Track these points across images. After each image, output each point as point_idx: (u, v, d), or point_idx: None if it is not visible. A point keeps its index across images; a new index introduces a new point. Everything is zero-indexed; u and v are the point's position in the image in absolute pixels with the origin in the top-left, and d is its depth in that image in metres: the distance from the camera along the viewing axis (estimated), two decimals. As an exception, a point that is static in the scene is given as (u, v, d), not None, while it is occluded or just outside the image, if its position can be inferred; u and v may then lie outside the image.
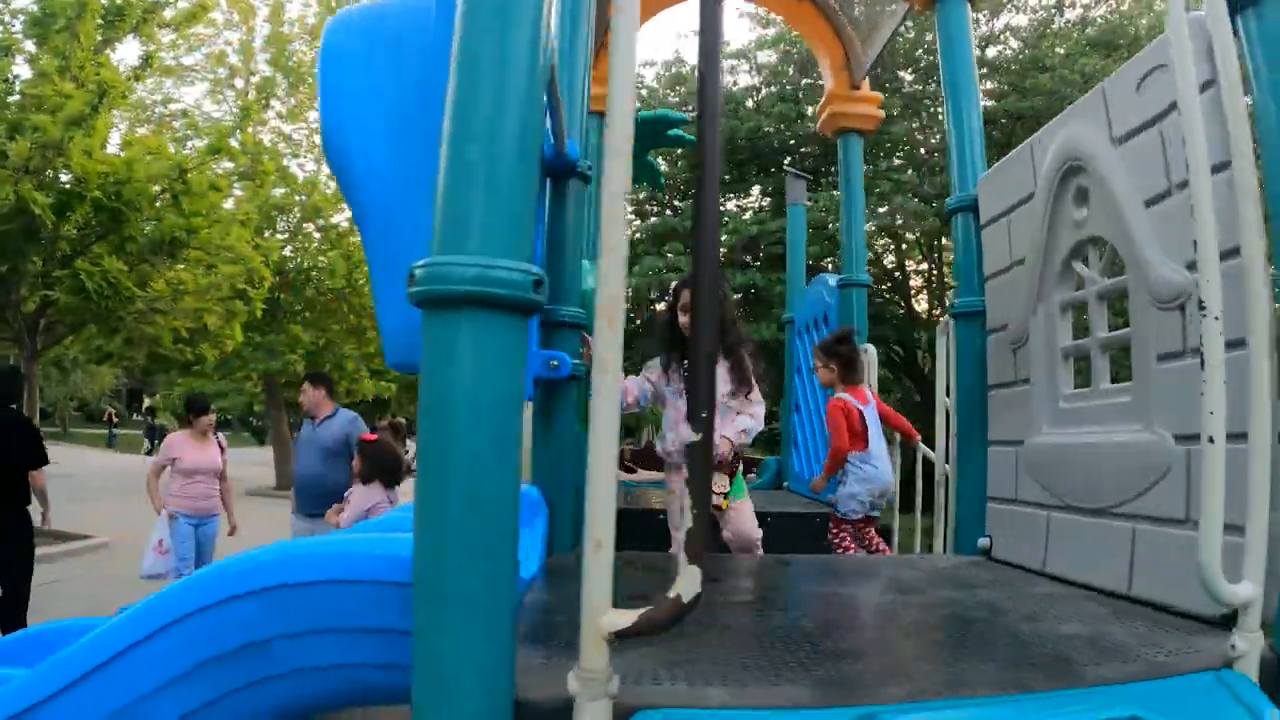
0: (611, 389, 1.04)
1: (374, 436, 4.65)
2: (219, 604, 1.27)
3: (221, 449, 5.41)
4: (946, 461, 3.11)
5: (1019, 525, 2.27)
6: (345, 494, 4.34)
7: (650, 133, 5.74)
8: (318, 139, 14.01)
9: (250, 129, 10.60)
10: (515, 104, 1.00)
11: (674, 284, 3.02)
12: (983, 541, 2.43)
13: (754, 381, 2.68)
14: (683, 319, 2.68)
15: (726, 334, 2.61)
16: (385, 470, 4.23)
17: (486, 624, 1.01)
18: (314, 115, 13.67)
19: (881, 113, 4.55)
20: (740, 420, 2.62)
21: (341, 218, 13.04)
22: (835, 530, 3.24)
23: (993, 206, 2.57)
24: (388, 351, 1.32)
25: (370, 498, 4.11)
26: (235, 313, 9.01)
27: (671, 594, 1.08)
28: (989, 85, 11.55)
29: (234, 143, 9.50)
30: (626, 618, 1.04)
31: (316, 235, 13.21)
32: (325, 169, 13.07)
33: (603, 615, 1.01)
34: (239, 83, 12.41)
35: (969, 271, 2.70)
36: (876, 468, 3.19)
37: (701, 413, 1.09)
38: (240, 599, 1.25)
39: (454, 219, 0.99)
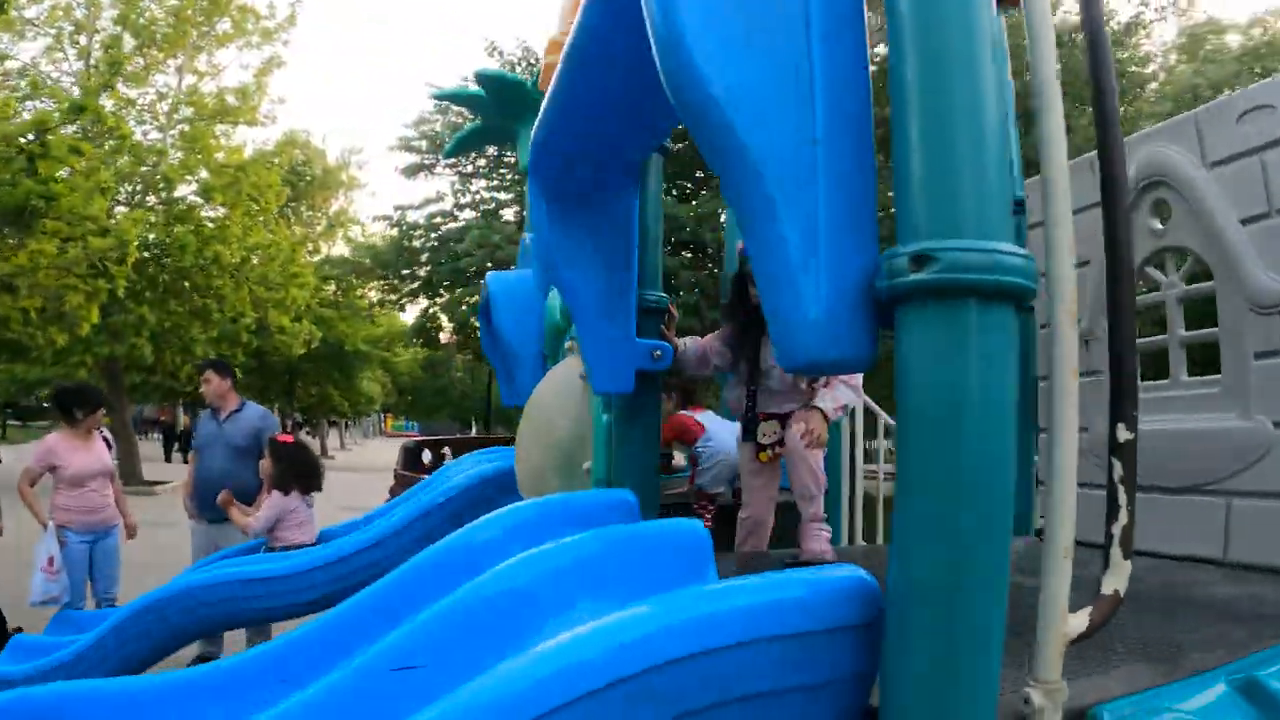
0: (1074, 389, 1.13)
1: (289, 437, 4.39)
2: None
3: (109, 445, 4.84)
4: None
5: (1087, 507, 2.57)
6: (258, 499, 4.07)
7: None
8: (165, 104, 12.73)
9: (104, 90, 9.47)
10: (993, 78, 1.07)
11: (740, 246, 2.57)
12: (1040, 522, 2.73)
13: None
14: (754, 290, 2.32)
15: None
16: (305, 475, 4.00)
17: (992, 641, 1.02)
18: (162, 79, 12.42)
19: None
20: (840, 392, 2.30)
21: (188, 190, 11.94)
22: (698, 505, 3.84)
23: (1038, 208, 2.87)
24: (810, 343, 1.09)
25: (285, 505, 3.85)
26: (96, 291, 7.99)
27: (1108, 590, 1.17)
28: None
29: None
30: (1081, 622, 1.11)
31: (160, 208, 11.99)
32: (173, 136, 11.91)
33: (1066, 623, 1.06)
34: (83, 39, 11.01)
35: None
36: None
37: (1128, 410, 1.21)
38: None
39: (952, 202, 1.04)
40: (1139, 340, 2.52)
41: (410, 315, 18.90)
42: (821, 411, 2.22)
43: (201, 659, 4.47)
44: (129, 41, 11.10)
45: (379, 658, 1.53)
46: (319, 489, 4.16)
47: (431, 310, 16.65)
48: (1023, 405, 2.89)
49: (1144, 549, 2.31)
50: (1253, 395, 2.08)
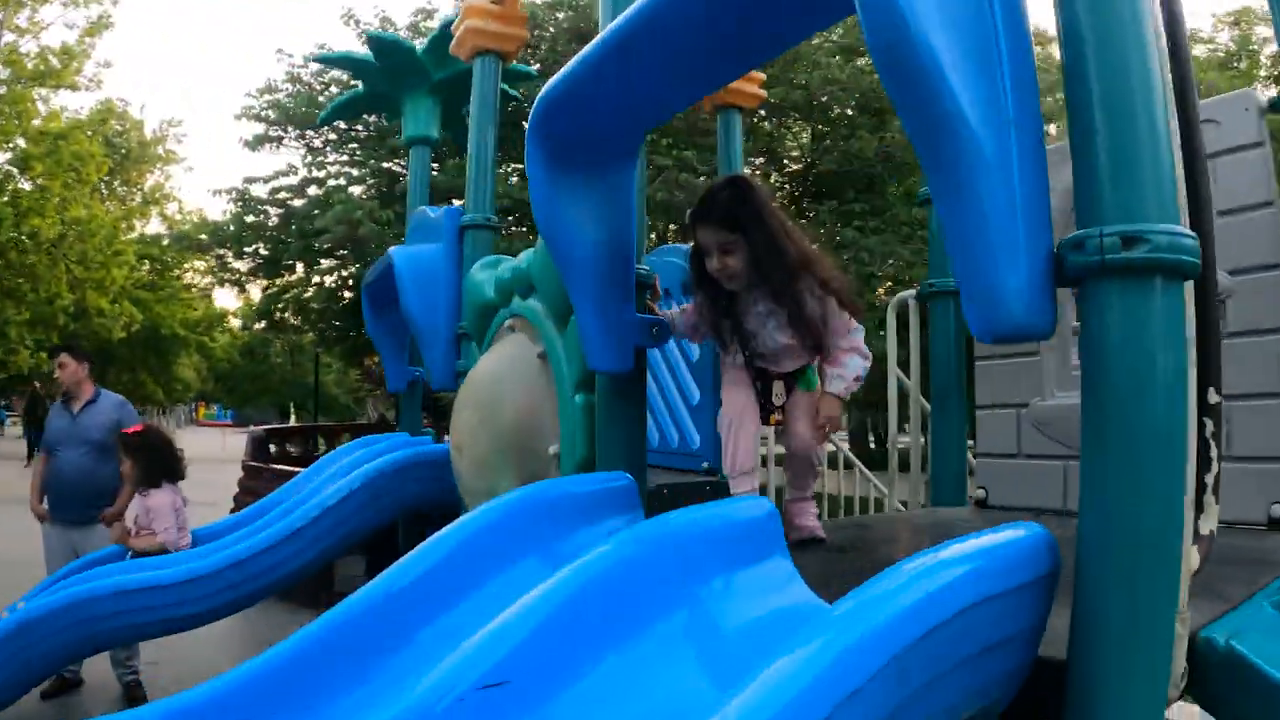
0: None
1: (140, 427, 4.02)
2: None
3: None
4: (900, 430, 3.69)
5: (1026, 475, 2.87)
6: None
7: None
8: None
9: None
10: (1161, 62, 1.18)
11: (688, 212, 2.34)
12: (978, 492, 3.01)
13: (822, 328, 2.18)
14: (710, 265, 2.20)
15: (775, 268, 2.10)
16: (171, 466, 3.71)
17: (1174, 584, 1.15)
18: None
19: (764, 92, 5.04)
20: (850, 366, 2.18)
21: (3, 158, 10.33)
22: None
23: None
24: (1013, 312, 1.14)
25: (175, 501, 3.60)
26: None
27: (1204, 531, 1.35)
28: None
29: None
30: (1194, 559, 1.27)
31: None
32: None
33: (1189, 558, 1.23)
34: None
35: (943, 256, 3.25)
36: None
37: (1214, 376, 1.38)
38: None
39: (1148, 189, 1.12)
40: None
41: (226, 298, 17.46)
42: (835, 396, 2.16)
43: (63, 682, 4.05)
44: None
45: (459, 675, 1.37)
46: (184, 477, 3.81)
47: (272, 290, 15.37)
48: (949, 385, 3.17)
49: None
50: (1186, 373, 2.43)
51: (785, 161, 14.53)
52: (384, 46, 4.95)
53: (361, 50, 6.36)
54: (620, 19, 1.75)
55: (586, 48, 1.88)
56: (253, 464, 7.34)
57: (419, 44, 5.06)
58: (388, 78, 4.93)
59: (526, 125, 2.05)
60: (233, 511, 5.15)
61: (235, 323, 26.65)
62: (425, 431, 4.81)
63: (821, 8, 1.56)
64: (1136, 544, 1.13)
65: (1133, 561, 1.13)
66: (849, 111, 13.15)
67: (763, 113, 12.84)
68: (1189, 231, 1.14)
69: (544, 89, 2.00)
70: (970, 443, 3.33)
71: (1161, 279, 1.12)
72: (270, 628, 5.23)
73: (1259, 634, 1.34)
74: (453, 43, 4.05)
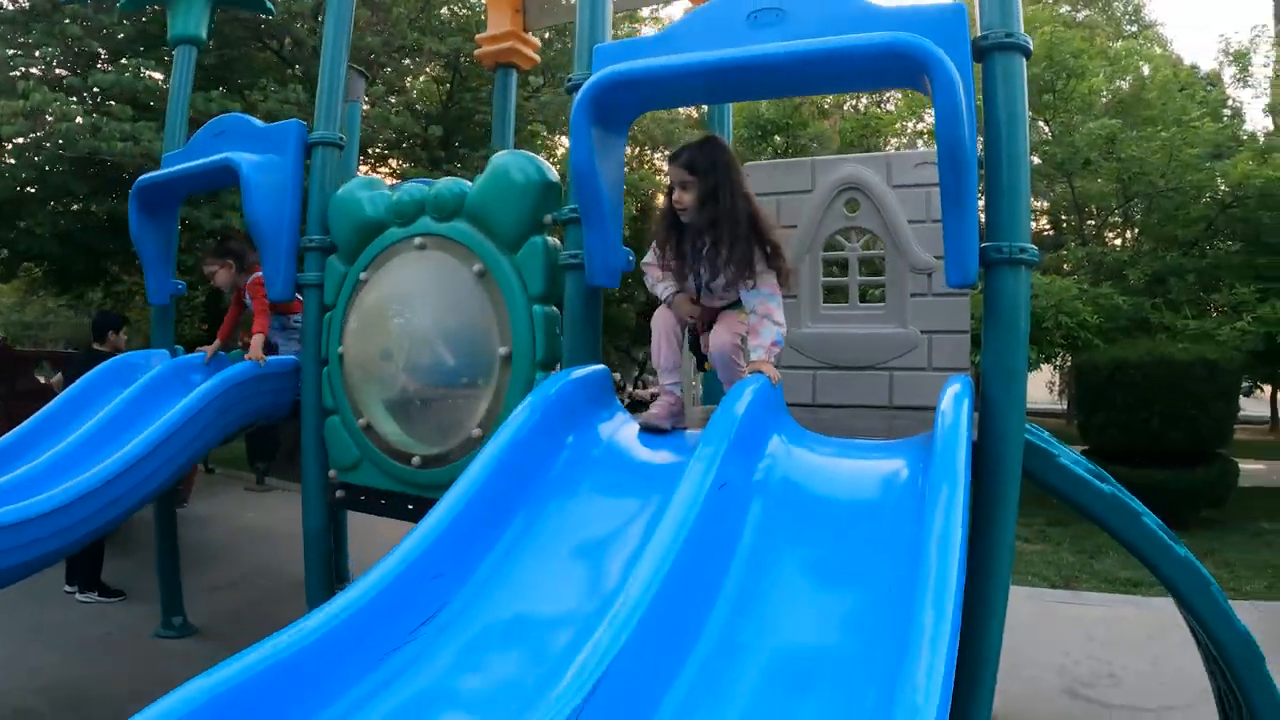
0: None
1: None
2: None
3: None
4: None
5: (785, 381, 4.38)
6: None
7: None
8: None
9: None
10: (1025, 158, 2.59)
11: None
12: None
13: (757, 267, 2.72)
14: (674, 199, 2.80)
15: (720, 211, 2.69)
16: None
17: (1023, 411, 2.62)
18: None
19: (537, 58, 5.84)
20: (763, 333, 2.72)
21: None
22: None
23: (761, 184, 4.51)
24: (972, 269, 2.30)
25: None
26: None
27: None
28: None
29: None
30: None
31: None
32: None
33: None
34: None
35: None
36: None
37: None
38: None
39: (1013, 215, 2.52)
40: (831, 279, 4.41)
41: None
42: (761, 363, 2.69)
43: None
44: None
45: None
46: None
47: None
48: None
49: (842, 403, 4.21)
50: (908, 316, 4.10)
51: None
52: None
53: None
54: (686, 59, 2.66)
55: (646, 63, 2.74)
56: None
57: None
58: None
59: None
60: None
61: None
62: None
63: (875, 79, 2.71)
64: (1008, 381, 2.54)
65: (1005, 392, 2.54)
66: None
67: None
68: (1033, 246, 2.60)
69: (598, 75, 2.79)
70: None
71: (1025, 268, 2.56)
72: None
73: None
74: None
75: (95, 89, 8.55)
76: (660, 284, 3.01)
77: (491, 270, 3.46)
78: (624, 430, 2.86)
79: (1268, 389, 19.84)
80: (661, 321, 3.04)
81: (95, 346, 5.70)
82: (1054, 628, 5.41)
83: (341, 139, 4.22)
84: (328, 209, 3.97)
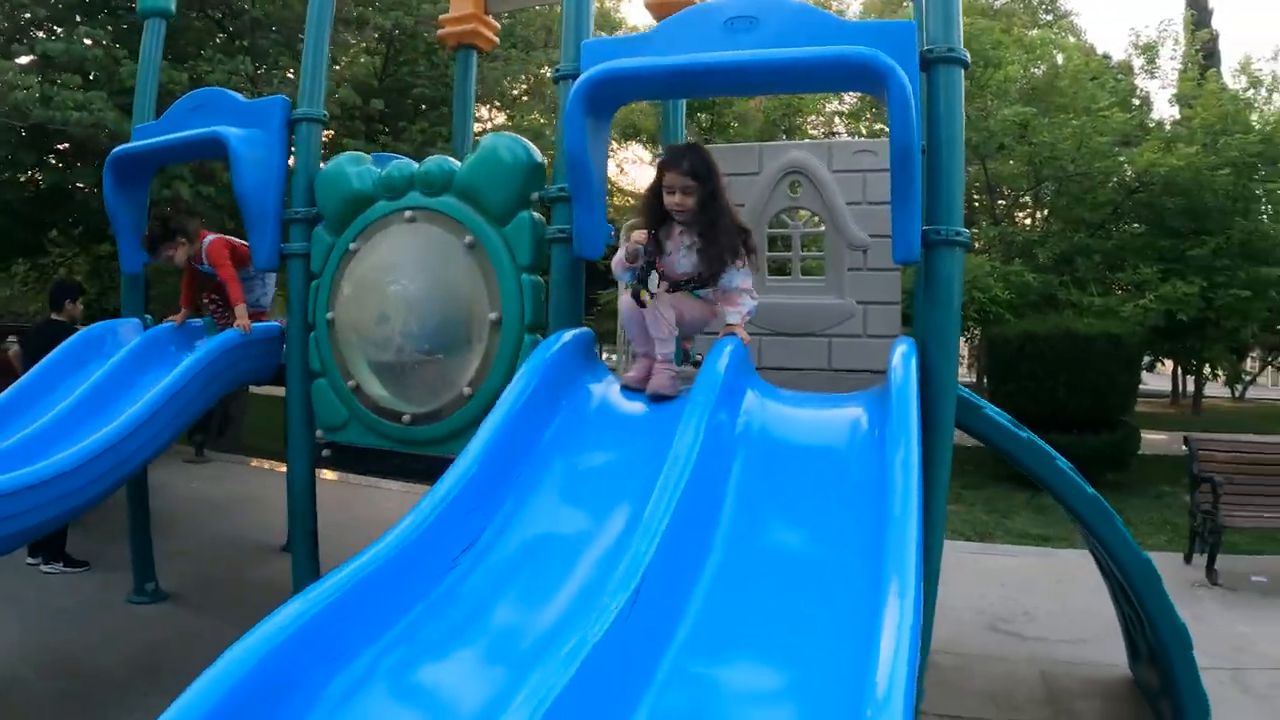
0: None
1: None
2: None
3: None
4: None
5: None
6: None
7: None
8: None
9: None
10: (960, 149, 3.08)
11: (659, 158, 3.28)
12: (697, 357, 4.90)
13: (728, 260, 3.06)
14: (669, 199, 3.04)
15: (718, 213, 3.01)
16: None
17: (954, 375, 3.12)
18: None
19: (498, 40, 6.11)
20: (743, 303, 3.12)
21: None
22: None
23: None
24: (914, 248, 2.79)
25: None
26: None
27: None
28: None
29: None
30: None
31: None
32: None
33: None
34: None
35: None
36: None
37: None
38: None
39: (950, 204, 3.01)
40: (775, 254, 4.88)
41: None
42: (733, 325, 3.10)
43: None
44: None
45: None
46: None
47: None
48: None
49: (787, 365, 4.70)
50: (845, 288, 4.60)
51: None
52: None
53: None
54: (672, 61, 3.06)
55: (636, 63, 3.13)
56: None
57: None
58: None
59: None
60: None
61: None
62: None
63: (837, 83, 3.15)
64: (943, 345, 3.05)
65: (941, 354, 3.04)
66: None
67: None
68: (966, 230, 3.10)
69: (593, 72, 3.16)
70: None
71: (959, 249, 3.06)
72: None
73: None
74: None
75: (43, 55, 8.35)
76: (628, 272, 3.22)
77: (482, 242, 3.80)
78: (612, 387, 3.25)
79: (1169, 364, 21.37)
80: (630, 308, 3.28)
81: (53, 316, 5.78)
82: (972, 576, 6.07)
83: (325, 115, 4.45)
84: (314, 183, 4.21)
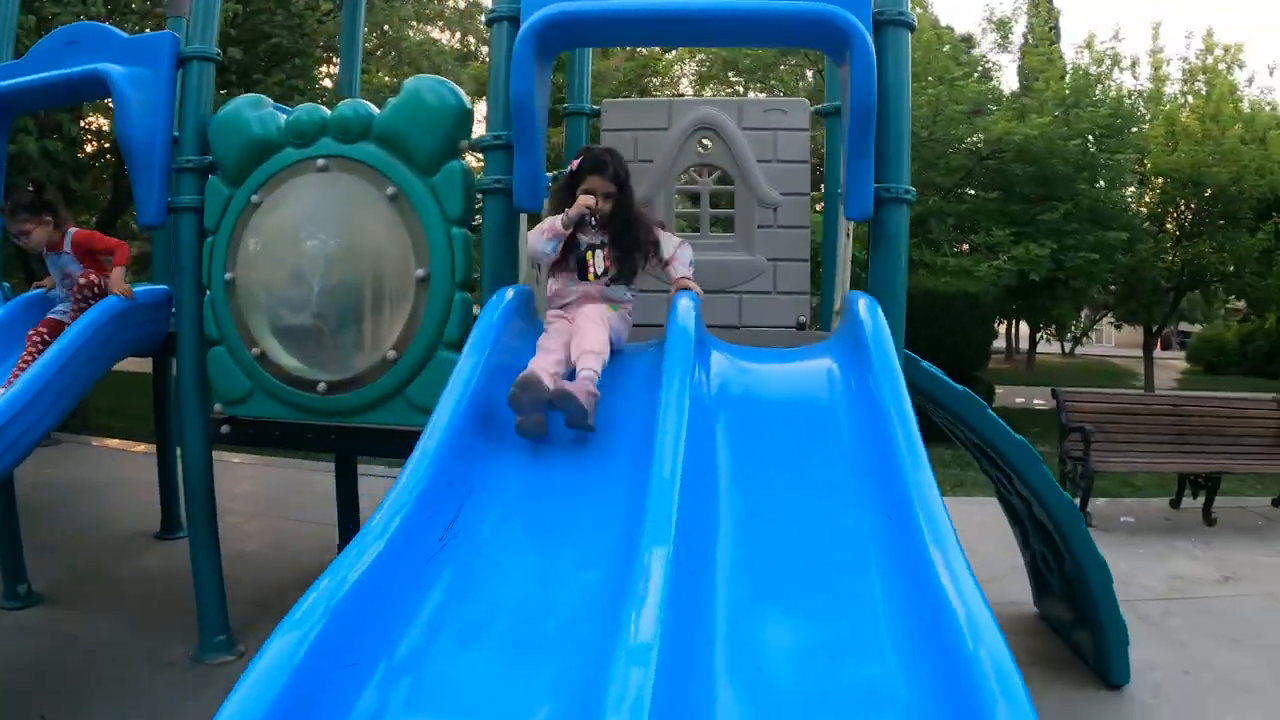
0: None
1: None
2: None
3: None
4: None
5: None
6: None
7: None
8: None
9: None
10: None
11: (577, 156, 3.25)
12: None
13: (640, 263, 3.20)
14: (586, 199, 3.04)
15: (627, 217, 3.12)
16: None
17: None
18: None
19: None
20: (682, 255, 3.22)
21: None
22: None
23: (620, 122, 4.87)
24: (868, 205, 2.86)
25: None
26: None
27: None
28: None
29: None
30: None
31: None
32: None
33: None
34: None
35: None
36: None
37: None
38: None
39: (898, 163, 3.14)
40: (684, 211, 4.91)
41: None
42: (686, 278, 3.19)
43: None
44: None
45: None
46: None
47: None
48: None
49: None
50: (755, 245, 4.70)
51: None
52: None
53: None
54: (629, 5, 3.01)
55: (590, 6, 3.04)
56: None
57: None
58: None
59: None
60: None
61: None
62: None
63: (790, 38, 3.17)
64: (890, 298, 3.20)
65: (889, 306, 3.20)
66: None
67: None
68: (912, 188, 3.25)
69: (544, 14, 3.05)
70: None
71: (906, 205, 3.22)
72: None
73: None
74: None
75: None
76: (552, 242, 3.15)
77: (405, 193, 3.58)
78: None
79: (1002, 327, 23.25)
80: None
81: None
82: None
83: (219, 54, 4.00)
84: (208, 128, 3.80)
